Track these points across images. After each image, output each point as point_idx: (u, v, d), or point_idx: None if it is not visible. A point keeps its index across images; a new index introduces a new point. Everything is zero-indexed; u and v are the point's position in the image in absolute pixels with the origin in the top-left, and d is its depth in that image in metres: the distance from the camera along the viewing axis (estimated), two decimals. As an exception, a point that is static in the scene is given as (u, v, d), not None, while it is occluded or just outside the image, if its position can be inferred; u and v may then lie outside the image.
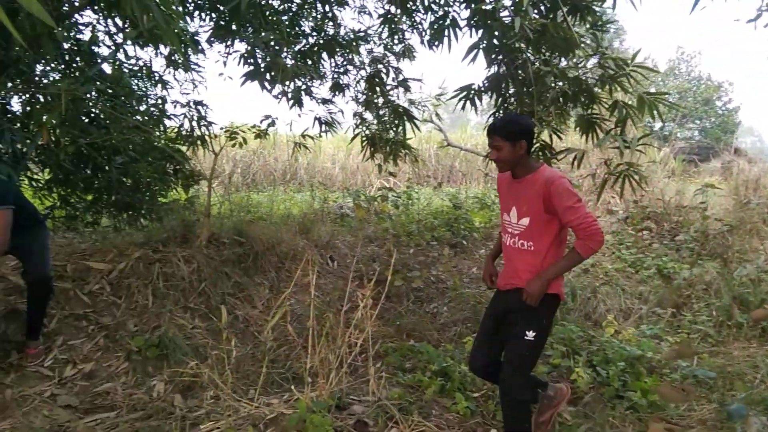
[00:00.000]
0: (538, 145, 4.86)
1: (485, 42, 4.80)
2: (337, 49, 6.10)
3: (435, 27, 5.40)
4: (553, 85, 4.59)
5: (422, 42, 5.80)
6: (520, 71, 4.96)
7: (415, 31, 6.17)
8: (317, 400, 3.06)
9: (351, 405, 3.26)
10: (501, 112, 5.36)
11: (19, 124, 6.69)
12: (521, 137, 2.75)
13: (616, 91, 4.46)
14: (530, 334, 2.74)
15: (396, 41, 6.38)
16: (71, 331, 4.14)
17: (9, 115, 6.67)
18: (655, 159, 11.24)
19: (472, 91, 5.24)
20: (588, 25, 4.70)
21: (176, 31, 2.21)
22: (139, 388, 3.74)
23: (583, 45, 4.41)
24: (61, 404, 3.50)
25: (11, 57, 5.86)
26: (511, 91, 5.25)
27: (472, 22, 5.02)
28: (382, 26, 6.16)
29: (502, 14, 4.69)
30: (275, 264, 5.48)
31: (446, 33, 5.38)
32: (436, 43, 5.50)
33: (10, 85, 6.03)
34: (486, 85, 5.22)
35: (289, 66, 5.25)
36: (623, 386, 3.78)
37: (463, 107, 5.41)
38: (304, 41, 6.50)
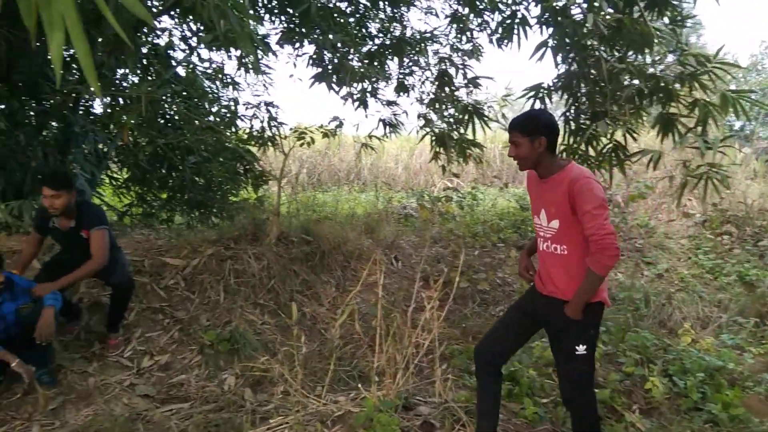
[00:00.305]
0: (610, 145, 4.70)
1: (555, 40, 4.70)
2: (405, 50, 6.11)
3: (504, 25, 5.32)
4: (628, 83, 4.44)
5: (491, 41, 5.74)
6: (592, 69, 4.82)
7: (483, 30, 6.11)
8: (384, 399, 3.07)
9: (417, 406, 3.25)
10: (572, 111, 5.23)
11: (100, 126, 7.07)
12: (540, 133, 2.57)
13: (696, 89, 4.25)
14: (581, 348, 2.59)
15: (464, 40, 6.34)
16: (148, 324, 4.33)
17: (92, 117, 7.06)
18: (735, 160, 10.68)
19: (542, 90, 5.14)
20: (666, 20, 4.52)
21: (249, 34, 2.27)
22: (211, 380, 3.86)
23: (661, 41, 4.24)
24: (139, 393, 3.67)
25: (95, 62, 6.20)
26: (583, 90, 5.12)
27: (542, 19, 4.93)
28: (450, 26, 6.13)
29: (573, 11, 4.58)
30: (341, 263, 5.55)
31: (515, 31, 5.30)
32: (505, 41, 5.43)
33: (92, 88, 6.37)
34: (556, 84, 5.12)
35: (356, 68, 5.31)
36: (702, 398, 3.61)
37: (532, 107, 5.31)
38: (371, 43, 6.55)
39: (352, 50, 5.96)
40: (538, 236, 2.74)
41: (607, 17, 4.14)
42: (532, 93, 5.14)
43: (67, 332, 4.04)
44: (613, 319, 4.81)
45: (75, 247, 3.78)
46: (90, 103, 7.19)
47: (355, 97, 6.19)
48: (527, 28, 5.26)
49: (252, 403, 3.55)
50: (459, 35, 6.30)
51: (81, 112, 6.64)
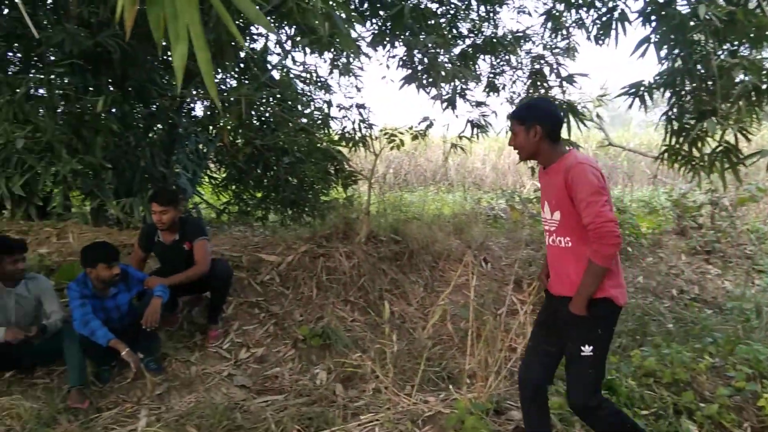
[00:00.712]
0: (721, 148, 4.41)
1: (659, 35, 4.48)
2: (497, 50, 6.02)
3: (602, 21, 5.14)
4: (741, 79, 4.15)
5: (588, 38, 5.54)
6: (698, 65, 4.55)
7: (579, 27, 5.92)
8: (475, 402, 3.04)
9: (509, 410, 3.20)
10: (674, 110, 4.96)
11: (201, 128, 7.47)
12: (536, 122, 2.46)
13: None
14: (587, 349, 2.40)
15: (559, 38, 6.17)
16: (245, 318, 4.52)
17: (194, 120, 7.46)
18: None
19: (642, 89, 4.92)
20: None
21: (352, 35, 2.33)
22: (304, 374, 3.97)
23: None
24: (237, 384, 3.83)
25: (198, 67, 6.55)
26: (688, 87, 4.85)
27: (645, 13, 4.71)
28: (545, 24, 5.98)
29: (679, 4, 4.35)
30: (429, 263, 5.55)
31: (614, 27, 5.10)
32: (603, 38, 5.23)
33: (194, 92, 6.73)
34: (658, 81, 4.88)
35: (448, 68, 5.30)
36: (826, 419, 3.31)
37: (630, 105, 5.10)
38: (462, 43, 6.51)
39: (442, 51, 5.95)
40: (545, 230, 2.61)
41: (718, 9, 3.89)
42: (631, 91, 4.93)
43: (173, 323, 4.28)
44: (722, 330, 4.51)
45: (178, 259, 4.09)
46: (192, 106, 7.62)
47: (444, 97, 6.17)
48: (626, 23, 5.05)
49: (343, 399, 3.61)
50: (554, 33, 6.13)
51: (184, 115, 7.05)
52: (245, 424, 3.23)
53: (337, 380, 3.85)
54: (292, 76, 8.04)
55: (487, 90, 6.72)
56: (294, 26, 6.26)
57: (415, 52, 5.77)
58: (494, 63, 6.73)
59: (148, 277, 3.96)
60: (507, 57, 6.68)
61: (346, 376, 3.89)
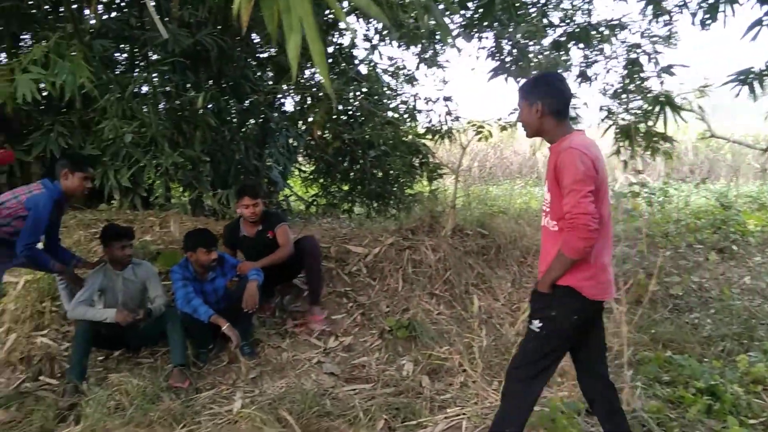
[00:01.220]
0: None
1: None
2: (591, 39, 5.79)
3: (709, 3, 4.82)
4: None
5: (693, 22, 5.22)
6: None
7: (682, 10, 5.59)
8: (567, 401, 2.95)
9: (602, 411, 3.08)
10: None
11: (291, 122, 7.69)
12: (538, 98, 2.35)
13: None
14: (535, 324, 2.37)
15: (660, 24, 5.85)
16: (334, 307, 4.62)
17: (284, 114, 7.69)
18: None
19: (751, 76, 4.59)
20: None
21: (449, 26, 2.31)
22: (390, 365, 4.01)
23: None
24: (326, 371, 3.92)
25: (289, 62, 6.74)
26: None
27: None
28: (644, 9, 5.69)
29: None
30: (517, 258, 5.45)
31: (722, 9, 4.77)
32: (709, 21, 4.91)
33: (285, 87, 6.94)
34: (772, 66, 4.53)
35: (539, 59, 5.16)
36: None
37: (738, 94, 4.77)
38: (553, 32, 6.31)
39: (532, 41, 5.80)
40: (542, 210, 2.53)
41: None
42: (739, 78, 4.61)
43: (266, 310, 4.45)
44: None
45: (263, 249, 4.29)
46: (282, 101, 7.86)
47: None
48: (736, 4, 4.72)
49: (429, 391, 3.62)
50: (654, 19, 5.82)
51: (275, 110, 7.28)
52: (334, 411, 3.30)
53: (423, 372, 3.86)
54: (378, 70, 8.11)
55: (578, 80, 6.49)
56: (382, 21, 6.29)
57: (504, 42, 5.65)
58: (587, 53, 6.49)
59: (240, 263, 4.17)
60: (600, 46, 6.42)
61: (432, 368, 3.89)
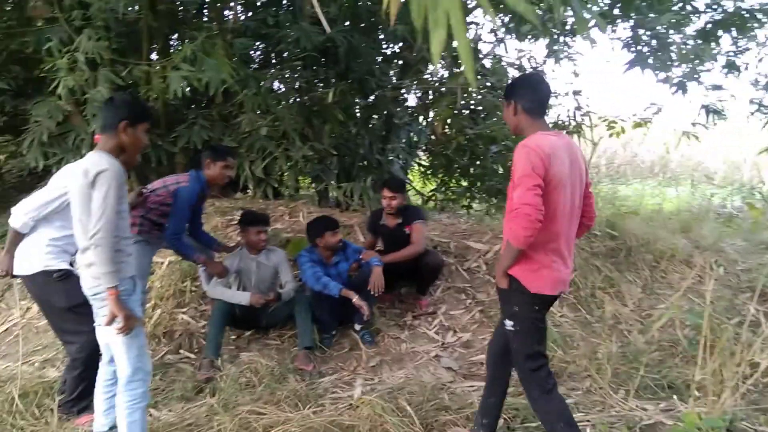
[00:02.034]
0: None
1: None
2: (745, 25, 5.28)
3: None
4: None
5: None
6: None
7: None
8: (706, 417, 2.74)
9: (746, 432, 2.84)
10: None
11: (414, 117, 7.74)
12: (513, 97, 2.51)
13: None
14: (508, 324, 2.55)
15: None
16: (453, 302, 4.61)
17: (408, 109, 7.75)
18: None
19: None
20: None
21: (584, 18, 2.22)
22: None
23: None
24: (444, 366, 3.93)
25: (415, 58, 6.81)
26: None
27: None
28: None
29: None
30: (649, 262, 5.13)
31: None
32: None
33: (408, 82, 6.99)
34: None
35: (683, 48, 4.80)
36: None
37: None
38: (697, 19, 5.84)
39: (673, 30, 5.40)
40: None
41: None
42: None
43: (385, 300, 4.53)
44: None
45: (399, 242, 4.40)
46: (405, 97, 7.92)
47: (673, 81, 5.60)
48: None
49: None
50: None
51: (399, 106, 7.35)
52: (452, 405, 3.30)
53: (544, 374, 3.75)
54: (503, 63, 7.94)
55: (725, 71, 5.95)
56: (510, 13, 6.16)
57: (642, 32, 5.31)
58: (737, 41, 5.93)
59: (364, 250, 4.32)
60: (753, 33, 5.84)
61: (554, 371, 3.76)
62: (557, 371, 3.77)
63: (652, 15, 5.04)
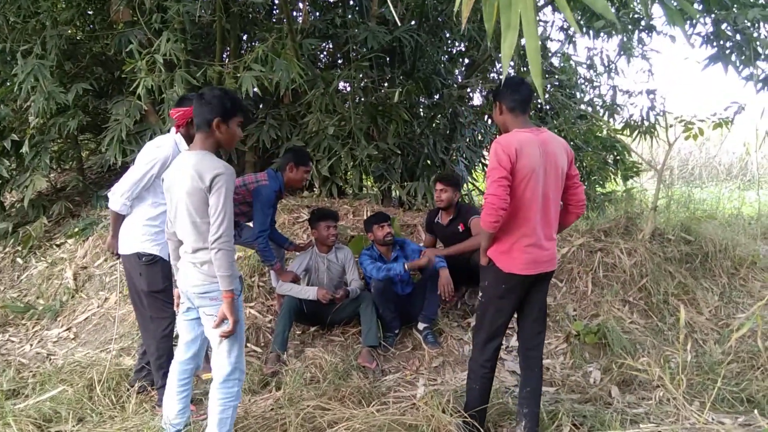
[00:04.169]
0: None
1: None
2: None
3: None
4: None
5: None
6: None
7: None
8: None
9: (835, 454, 2.65)
10: None
11: (479, 116, 7.66)
12: (497, 98, 2.76)
13: None
14: (479, 296, 2.87)
15: None
16: (517, 305, 4.52)
17: (473, 108, 7.68)
18: None
19: None
20: None
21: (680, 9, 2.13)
22: (576, 370, 3.83)
23: None
24: (507, 369, 3.87)
25: (481, 57, 6.73)
26: None
27: None
28: None
29: None
30: (728, 269, 4.88)
31: None
32: None
33: (473, 81, 6.91)
34: None
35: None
36: None
37: None
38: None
39: (760, 24, 5.10)
40: None
41: None
42: None
43: (449, 301, 4.50)
44: None
45: (453, 238, 4.41)
46: (470, 95, 7.85)
47: (759, 78, 5.29)
48: None
49: (620, 402, 3.40)
50: None
51: (463, 105, 7.29)
52: (515, 410, 3.24)
53: (612, 382, 3.64)
54: (572, 62, 7.75)
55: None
56: (580, 11, 5.99)
57: (725, 26, 5.04)
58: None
59: (425, 249, 4.35)
60: None
61: (623, 379, 3.65)
62: (626, 379, 3.66)
63: (736, 8, 4.78)
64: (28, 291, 5.10)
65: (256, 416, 3.14)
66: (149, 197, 3.14)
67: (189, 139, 3.08)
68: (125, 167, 5.97)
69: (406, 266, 3.99)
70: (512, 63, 6.64)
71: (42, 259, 5.41)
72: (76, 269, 5.14)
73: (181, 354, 2.75)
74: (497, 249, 2.75)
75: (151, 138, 5.57)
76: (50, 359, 4.10)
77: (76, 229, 5.66)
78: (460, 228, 4.40)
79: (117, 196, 3.11)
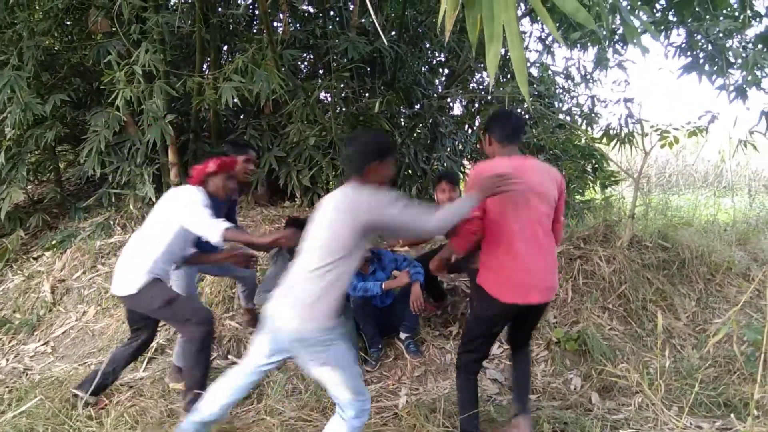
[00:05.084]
0: None
1: None
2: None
3: None
4: None
5: None
6: None
7: None
8: (765, 438, 2.63)
9: (809, 456, 2.70)
10: None
11: (459, 126, 7.72)
12: (486, 131, 2.91)
13: None
14: (469, 312, 3.16)
15: None
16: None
17: (453, 118, 7.74)
18: None
19: None
20: None
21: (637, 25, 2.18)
22: (557, 377, 3.87)
23: None
24: (490, 377, 3.90)
25: (461, 67, 6.80)
26: None
27: None
28: None
29: None
30: (704, 275, 4.96)
31: None
32: None
33: (453, 91, 6.97)
34: None
35: (743, 54, 4.64)
36: None
37: None
38: (758, 23, 5.63)
39: (731, 35, 5.22)
40: None
41: None
42: None
43: (430, 311, 4.51)
44: None
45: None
46: (450, 105, 7.92)
47: (732, 87, 5.41)
48: None
49: (600, 408, 3.44)
50: None
51: (444, 115, 7.35)
52: (498, 417, 3.27)
53: (592, 388, 3.68)
54: (551, 72, 7.85)
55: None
56: (557, 22, 6.08)
57: (698, 37, 5.16)
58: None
59: (401, 259, 4.26)
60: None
61: (603, 385, 3.69)
62: (606, 385, 3.70)
63: (709, 19, 4.90)
64: (4, 305, 5.01)
65: (239, 428, 3.12)
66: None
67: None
68: (103, 179, 5.96)
69: (383, 286, 3.94)
70: (497, 73, 6.71)
71: (18, 272, 5.32)
72: (54, 282, 5.07)
73: (246, 367, 2.66)
74: (484, 274, 2.82)
75: (129, 150, 5.55)
76: (27, 374, 4.03)
77: (54, 242, 5.58)
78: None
79: None
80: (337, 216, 2.37)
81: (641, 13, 3.67)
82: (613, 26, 5.47)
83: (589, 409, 3.45)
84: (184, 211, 2.97)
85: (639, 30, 2.57)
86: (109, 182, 5.80)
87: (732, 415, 3.05)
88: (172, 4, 5.81)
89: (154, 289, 3.01)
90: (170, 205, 3.07)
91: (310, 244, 2.44)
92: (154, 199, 5.58)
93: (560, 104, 7.85)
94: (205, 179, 3.23)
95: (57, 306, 4.87)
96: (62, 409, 3.25)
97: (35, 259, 5.57)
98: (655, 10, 5.02)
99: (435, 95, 6.90)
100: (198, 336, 3.08)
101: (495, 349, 4.22)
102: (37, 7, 5.90)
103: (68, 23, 6.20)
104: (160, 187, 6.05)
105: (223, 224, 2.84)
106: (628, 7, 2.34)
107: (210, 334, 3.16)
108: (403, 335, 4.16)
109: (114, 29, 5.25)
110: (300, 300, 2.37)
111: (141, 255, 3.04)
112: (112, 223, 5.75)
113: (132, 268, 3.03)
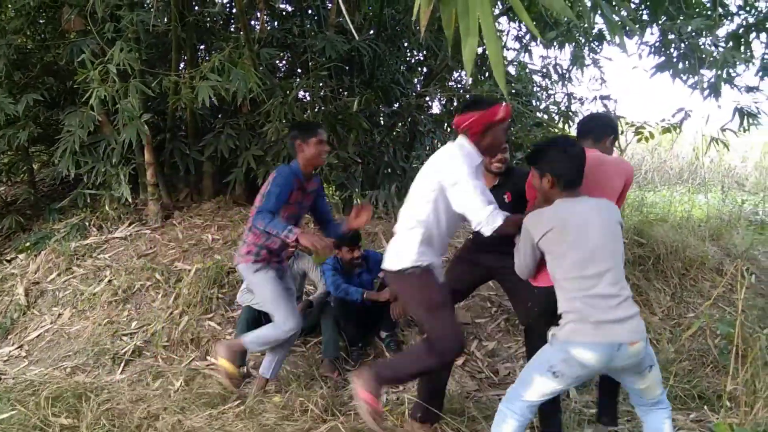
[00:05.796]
0: None
1: None
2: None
3: None
4: None
5: None
6: None
7: None
8: (738, 428, 2.68)
9: (780, 445, 2.76)
10: None
11: (438, 124, 7.74)
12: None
13: None
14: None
15: None
16: (477, 311, 4.59)
17: (431, 117, 7.76)
18: None
19: None
20: None
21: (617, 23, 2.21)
22: (534, 373, 3.89)
23: None
24: (469, 374, 3.91)
25: (439, 66, 6.82)
26: None
27: None
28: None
29: None
30: (678, 270, 5.03)
31: None
32: None
33: (432, 90, 7.00)
34: None
35: (714, 53, 4.72)
36: None
37: None
38: (729, 22, 5.74)
39: (704, 33, 5.32)
40: None
41: None
42: None
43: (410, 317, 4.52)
44: None
45: None
46: (429, 104, 7.94)
47: (705, 85, 5.50)
48: None
49: (577, 403, 3.48)
50: None
51: (423, 113, 7.37)
52: (477, 414, 3.28)
53: (571, 384, 3.71)
54: (528, 70, 7.91)
55: (760, 74, 5.82)
56: (535, 21, 6.13)
57: (671, 36, 5.24)
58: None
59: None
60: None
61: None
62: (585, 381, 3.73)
63: (681, 18, 4.98)
64: (-24, 309, 4.92)
65: (218, 430, 3.10)
66: None
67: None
68: (78, 179, 5.87)
69: (365, 295, 3.94)
70: (475, 69, 6.74)
71: (-9, 275, 5.23)
72: (28, 285, 4.99)
73: None
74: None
75: (105, 150, 5.47)
76: (1, 378, 3.96)
77: (28, 244, 5.49)
78: (506, 198, 3.19)
79: None
80: None
81: (622, 10, 3.72)
82: (593, 23, 5.55)
83: (567, 404, 3.48)
84: None
85: (620, 26, 2.60)
86: (84, 183, 5.72)
87: (705, 407, 3.11)
88: (147, 2, 5.74)
89: None
90: None
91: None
92: (129, 200, 5.51)
93: (538, 102, 7.91)
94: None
95: (31, 309, 4.79)
96: (37, 413, 3.19)
97: (8, 261, 5.48)
98: (632, 6, 5.09)
99: (414, 94, 6.91)
100: None
101: (474, 346, 4.25)
102: (9, 5, 5.79)
103: (41, 21, 6.10)
104: (136, 188, 5.98)
105: None
106: (611, 3, 2.39)
107: None
108: (383, 333, 4.17)
109: (88, 27, 5.17)
110: None
111: None
112: (87, 224, 5.67)
113: None
